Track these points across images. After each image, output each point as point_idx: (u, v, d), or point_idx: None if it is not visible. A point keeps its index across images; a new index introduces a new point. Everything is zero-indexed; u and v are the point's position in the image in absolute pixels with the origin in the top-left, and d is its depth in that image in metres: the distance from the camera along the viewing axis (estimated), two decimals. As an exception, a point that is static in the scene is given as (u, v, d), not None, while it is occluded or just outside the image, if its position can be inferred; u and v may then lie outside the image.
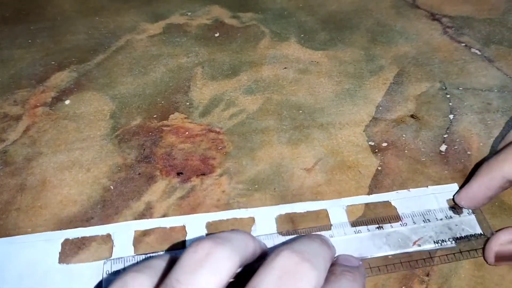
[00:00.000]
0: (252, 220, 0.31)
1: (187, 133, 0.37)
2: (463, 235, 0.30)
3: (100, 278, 0.28)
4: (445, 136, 0.36)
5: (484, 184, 0.30)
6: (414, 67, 0.43)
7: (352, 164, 0.34)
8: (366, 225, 0.30)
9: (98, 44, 0.46)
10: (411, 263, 0.29)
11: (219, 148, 0.36)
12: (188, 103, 0.40)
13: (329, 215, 0.31)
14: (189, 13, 0.50)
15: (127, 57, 0.44)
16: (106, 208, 0.32)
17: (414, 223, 0.30)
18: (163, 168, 0.34)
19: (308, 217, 0.31)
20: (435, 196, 0.32)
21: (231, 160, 0.35)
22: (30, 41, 0.47)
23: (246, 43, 0.46)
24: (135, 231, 0.31)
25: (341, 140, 0.36)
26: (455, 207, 0.31)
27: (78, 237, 0.30)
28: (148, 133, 0.37)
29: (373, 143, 0.36)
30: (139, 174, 0.34)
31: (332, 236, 0.30)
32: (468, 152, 0.35)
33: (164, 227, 0.31)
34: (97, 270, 0.29)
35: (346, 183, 0.33)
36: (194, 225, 0.31)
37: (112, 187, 0.33)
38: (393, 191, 0.33)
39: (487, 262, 0.29)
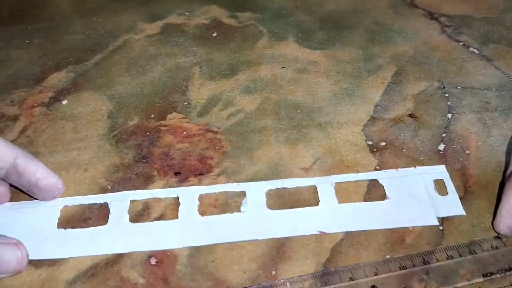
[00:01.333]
0: (243, 194, 0.32)
1: (184, 133, 0.37)
2: (445, 216, 0.31)
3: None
4: (444, 135, 0.36)
5: None
6: (412, 66, 0.43)
7: (350, 163, 0.34)
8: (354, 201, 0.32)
9: (95, 44, 0.46)
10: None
11: (217, 147, 0.36)
12: (186, 103, 0.39)
13: (317, 191, 0.32)
14: (187, 13, 0.50)
15: (124, 57, 0.44)
16: (103, 208, 0.32)
17: (400, 201, 0.31)
18: (161, 168, 0.34)
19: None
20: (422, 177, 0.33)
21: (229, 159, 0.35)
22: (27, 41, 0.46)
23: (244, 43, 0.46)
24: (131, 201, 0.32)
25: (339, 140, 0.36)
26: (499, 237, 0.30)
27: (77, 205, 0.32)
28: (145, 133, 0.37)
29: (371, 143, 0.36)
30: (137, 174, 0.34)
31: (321, 212, 0.31)
32: (467, 151, 0.35)
33: (159, 197, 0.32)
34: (93, 235, 0.30)
35: (344, 182, 0.33)
36: (187, 197, 0.32)
37: (109, 187, 0.33)
38: (391, 190, 0.33)
39: (497, 232, 0.29)
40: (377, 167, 0.34)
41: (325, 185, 0.32)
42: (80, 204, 0.32)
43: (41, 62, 0.44)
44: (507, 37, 0.46)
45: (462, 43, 0.45)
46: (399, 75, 0.42)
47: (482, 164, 0.34)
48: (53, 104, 0.39)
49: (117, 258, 0.29)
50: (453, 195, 0.32)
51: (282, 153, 0.35)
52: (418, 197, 0.32)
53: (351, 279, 0.28)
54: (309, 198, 0.32)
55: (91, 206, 0.32)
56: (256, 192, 0.32)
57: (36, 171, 0.30)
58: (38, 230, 0.30)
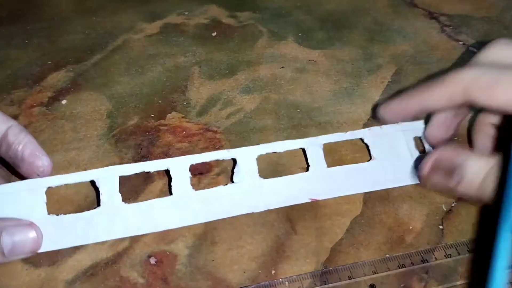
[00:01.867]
0: (233, 161, 0.32)
1: (184, 132, 0.37)
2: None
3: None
4: (443, 134, 0.36)
5: (403, 103, 0.30)
6: (412, 65, 0.43)
7: (350, 162, 0.34)
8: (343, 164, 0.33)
9: (95, 44, 0.46)
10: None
11: (217, 147, 0.36)
12: (185, 103, 0.39)
13: (306, 153, 0.33)
14: (186, 13, 0.50)
15: (124, 57, 0.44)
16: (103, 208, 0.32)
17: (384, 161, 0.33)
18: (160, 168, 0.34)
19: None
20: (404, 133, 0.33)
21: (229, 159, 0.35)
22: (26, 41, 0.46)
23: (244, 43, 0.46)
24: (119, 176, 0.30)
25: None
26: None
27: (61, 185, 0.30)
28: (145, 133, 0.37)
29: (371, 142, 0.36)
30: (136, 174, 0.34)
31: (311, 178, 0.32)
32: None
33: (148, 171, 0.31)
34: (89, 221, 0.29)
35: (344, 182, 0.33)
36: (178, 168, 0.31)
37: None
38: (391, 189, 0.32)
39: (420, 179, 0.30)
40: (377, 167, 0.34)
41: (314, 148, 0.33)
42: (65, 184, 0.30)
43: (41, 62, 0.44)
44: (507, 36, 0.46)
45: (461, 43, 0.45)
46: (398, 74, 0.42)
47: (481, 163, 0.34)
48: (52, 104, 0.39)
49: (117, 258, 0.29)
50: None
51: (282, 152, 0.35)
52: (400, 156, 0.33)
53: (350, 278, 0.28)
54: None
55: (90, 206, 0.32)
56: (247, 159, 0.32)
57: (24, 143, 0.29)
58: (28, 218, 0.28)
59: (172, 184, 0.31)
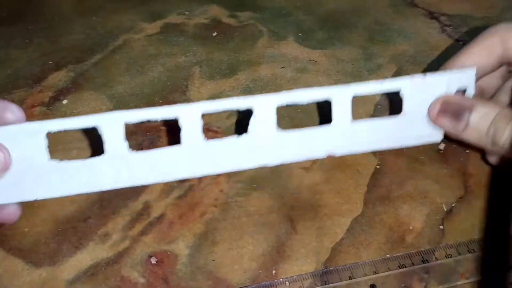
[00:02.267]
0: (250, 111, 0.29)
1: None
2: None
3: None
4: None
5: (480, 51, 0.30)
6: (412, 65, 0.43)
7: (351, 163, 0.34)
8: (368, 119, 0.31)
9: (95, 43, 0.46)
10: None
11: (217, 147, 0.36)
12: (185, 103, 0.39)
13: (331, 104, 0.30)
14: (187, 13, 0.50)
15: (124, 57, 0.44)
16: (103, 207, 0.32)
17: (413, 116, 0.31)
18: (161, 168, 0.34)
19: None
20: (447, 84, 0.30)
21: (229, 159, 0.35)
22: (27, 41, 0.46)
23: (244, 42, 0.46)
24: (125, 123, 0.28)
25: (339, 139, 0.36)
26: None
27: (61, 130, 0.28)
28: (146, 133, 0.37)
29: (371, 142, 0.36)
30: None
31: (332, 132, 0.30)
32: (467, 151, 0.35)
33: (155, 119, 0.28)
34: (94, 168, 0.28)
35: (345, 182, 0.33)
36: (189, 116, 0.28)
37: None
38: (391, 189, 0.33)
39: (431, 119, 0.30)
40: (377, 166, 0.34)
41: (341, 98, 0.29)
42: (65, 130, 0.28)
43: (41, 62, 0.44)
44: (507, 36, 0.46)
45: (462, 42, 0.45)
46: (399, 74, 0.42)
47: (482, 163, 0.34)
48: (53, 104, 0.39)
49: (117, 258, 0.29)
50: None
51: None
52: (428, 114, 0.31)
53: (350, 278, 0.28)
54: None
55: (91, 206, 0.32)
56: (264, 108, 0.29)
57: None
58: (29, 164, 0.27)
59: (181, 133, 0.28)
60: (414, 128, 0.31)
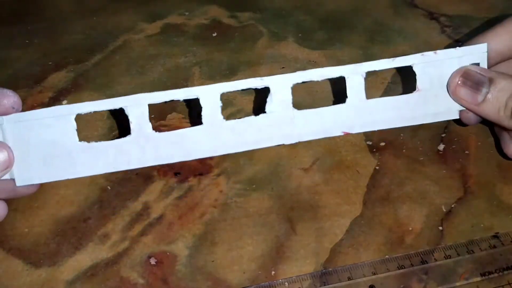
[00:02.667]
0: (267, 89, 0.30)
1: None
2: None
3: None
4: (443, 135, 0.36)
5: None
6: (412, 66, 0.43)
7: (350, 163, 0.34)
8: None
9: (95, 44, 0.46)
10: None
11: (217, 148, 0.36)
12: (185, 103, 0.39)
13: (346, 82, 0.31)
14: (187, 13, 0.50)
15: (124, 57, 0.44)
16: (103, 208, 0.32)
17: (428, 93, 0.31)
18: (161, 168, 0.34)
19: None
20: (459, 60, 0.31)
21: (229, 160, 0.35)
22: (27, 41, 0.46)
23: (244, 43, 0.46)
24: (148, 104, 0.29)
25: (339, 140, 0.36)
26: (497, 236, 0.30)
27: (90, 112, 0.29)
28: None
29: (371, 143, 0.36)
30: (137, 174, 0.34)
31: (347, 110, 0.31)
32: (466, 152, 0.35)
33: (178, 99, 0.30)
34: (121, 148, 0.29)
35: (344, 182, 0.33)
36: (208, 97, 0.30)
37: (109, 187, 0.33)
38: (391, 189, 0.33)
39: (449, 91, 0.30)
40: (377, 167, 0.34)
41: (355, 76, 0.31)
42: (93, 112, 0.29)
43: (41, 62, 0.44)
44: (507, 37, 0.46)
45: (461, 43, 0.45)
46: (398, 75, 0.42)
47: (482, 164, 0.34)
48: (53, 104, 0.39)
49: (117, 258, 0.29)
50: None
51: (281, 153, 0.35)
52: (446, 87, 0.31)
53: (349, 279, 0.28)
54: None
55: (90, 206, 0.32)
56: (281, 88, 0.30)
57: None
58: (59, 145, 0.29)
59: (202, 113, 0.30)
60: (428, 105, 0.31)
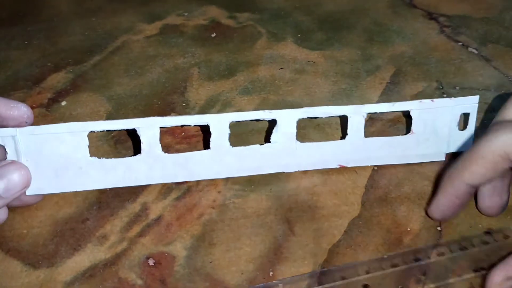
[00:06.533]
0: (274, 122, 0.32)
1: (183, 133, 0.37)
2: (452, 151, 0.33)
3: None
4: (442, 135, 0.36)
5: (450, 194, 0.29)
6: (411, 66, 0.43)
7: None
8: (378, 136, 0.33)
9: (94, 45, 0.46)
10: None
11: (215, 148, 0.36)
12: (184, 104, 0.39)
13: (347, 121, 0.32)
14: (186, 14, 0.50)
15: (123, 58, 0.44)
16: (101, 209, 0.32)
17: (420, 137, 0.33)
18: (159, 169, 0.34)
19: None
20: (452, 109, 0.32)
21: (227, 160, 0.35)
22: (26, 42, 0.47)
23: (243, 44, 0.46)
24: (160, 128, 0.31)
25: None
26: (490, 233, 0.30)
27: (103, 131, 0.31)
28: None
29: (369, 143, 0.36)
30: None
31: (345, 146, 0.33)
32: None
33: (188, 125, 0.33)
34: (130, 166, 0.31)
35: (343, 183, 0.33)
36: (218, 125, 0.31)
37: (108, 188, 0.33)
38: (389, 190, 0.33)
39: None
40: (375, 168, 0.34)
41: (356, 116, 0.32)
42: (106, 130, 0.31)
43: (40, 63, 0.44)
44: (506, 37, 0.46)
45: (461, 43, 0.45)
46: (397, 75, 0.42)
47: (480, 164, 0.34)
48: (52, 105, 0.40)
49: (115, 259, 0.29)
50: (469, 131, 0.33)
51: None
52: (438, 132, 0.33)
53: (346, 279, 0.28)
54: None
55: (89, 208, 0.32)
56: (287, 121, 0.32)
57: None
58: (71, 159, 0.30)
59: (211, 139, 0.31)
60: (420, 147, 0.33)
